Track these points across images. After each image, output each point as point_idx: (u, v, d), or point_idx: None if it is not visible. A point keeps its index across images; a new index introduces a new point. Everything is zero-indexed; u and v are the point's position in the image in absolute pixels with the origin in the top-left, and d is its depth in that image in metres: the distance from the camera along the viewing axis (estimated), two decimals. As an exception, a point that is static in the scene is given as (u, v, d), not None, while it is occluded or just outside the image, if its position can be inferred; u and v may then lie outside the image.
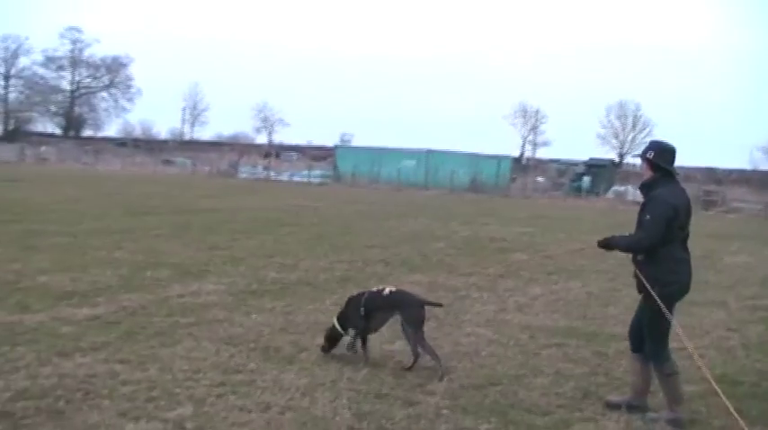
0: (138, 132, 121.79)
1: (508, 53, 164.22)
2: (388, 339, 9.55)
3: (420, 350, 8.46)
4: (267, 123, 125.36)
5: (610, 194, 55.81)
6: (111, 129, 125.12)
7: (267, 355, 8.76)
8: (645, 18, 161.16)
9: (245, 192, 40.85)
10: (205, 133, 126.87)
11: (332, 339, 8.84)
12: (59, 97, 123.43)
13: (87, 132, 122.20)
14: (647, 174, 7.44)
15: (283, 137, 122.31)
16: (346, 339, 8.83)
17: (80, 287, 12.01)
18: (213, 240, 18.67)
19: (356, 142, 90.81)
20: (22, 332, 9.13)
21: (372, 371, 8.38)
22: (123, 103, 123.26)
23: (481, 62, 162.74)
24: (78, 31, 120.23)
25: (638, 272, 7.34)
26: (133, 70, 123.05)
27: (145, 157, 76.83)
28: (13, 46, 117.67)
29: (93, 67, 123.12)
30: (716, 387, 6.91)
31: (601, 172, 62.78)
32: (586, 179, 59.90)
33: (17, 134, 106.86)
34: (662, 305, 7.06)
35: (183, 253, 16.26)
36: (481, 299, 12.97)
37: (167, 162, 71.30)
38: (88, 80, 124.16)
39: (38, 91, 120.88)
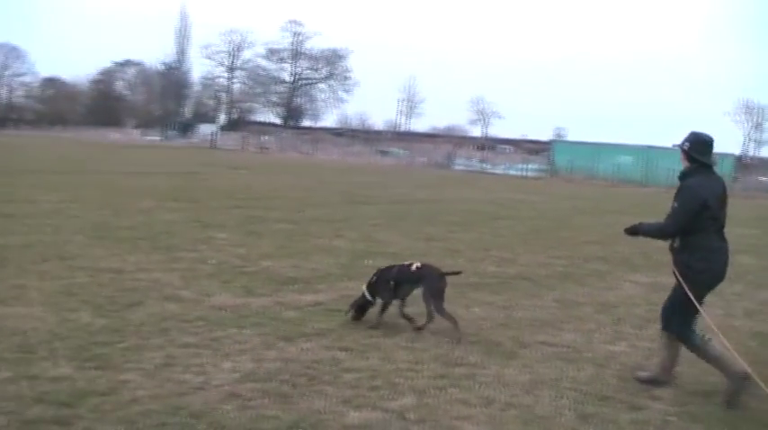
0: (354, 123, 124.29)
1: (724, 47, 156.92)
2: (610, 340, 9.24)
3: (437, 315, 9.09)
4: (482, 116, 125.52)
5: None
6: (329, 120, 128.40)
7: (488, 350, 8.60)
8: None
9: (460, 184, 40.90)
10: (420, 125, 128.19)
11: (362, 307, 9.48)
12: (280, 88, 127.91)
13: (306, 122, 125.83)
14: (684, 163, 7.69)
15: (497, 130, 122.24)
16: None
17: (302, 274, 12.23)
18: (430, 231, 18.72)
19: (569, 137, 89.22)
20: (247, 315, 9.36)
21: (596, 371, 8.09)
22: (341, 94, 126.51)
23: (695, 57, 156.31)
24: (299, 24, 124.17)
25: (673, 259, 7.66)
26: (351, 62, 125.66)
27: (361, 147, 78.21)
28: (238, 39, 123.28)
29: (313, 59, 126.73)
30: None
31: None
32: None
33: (240, 123, 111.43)
34: (690, 293, 7.38)
35: (401, 243, 16.36)
36: (706, 303, 12.31)
37: (383, 152, 72.27)
38: (308, 72, 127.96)
39: (260, 82, 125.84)
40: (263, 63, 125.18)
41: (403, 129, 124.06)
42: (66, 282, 10.56)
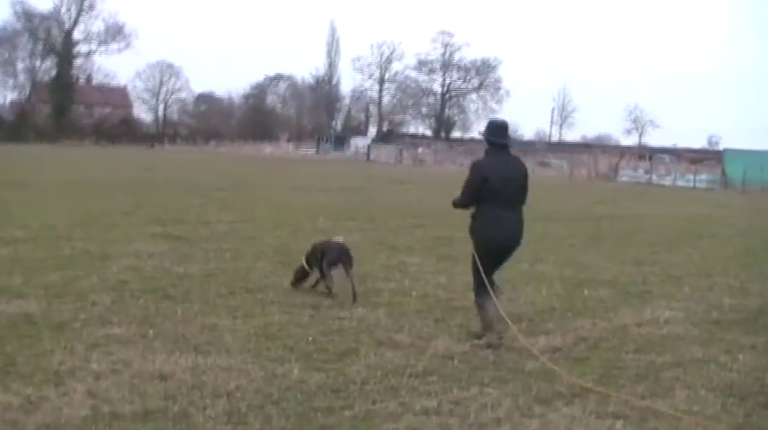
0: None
1: None
2: None
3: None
4: (638, 125, 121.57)
5: None
6: (478, 131, 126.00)
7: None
8: None
9: (634, 198, 38.56)
10: (570, 135, 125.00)
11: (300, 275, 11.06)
12: (430, 100, 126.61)
13: (455, 134, 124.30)
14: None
15: (648, 139, 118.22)
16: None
17: (520, 309, 10.56)
18: (632, 253, 16.84)
19: (724, 145, 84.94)
20: (481, 367, 7.83)
21: None
22: (492, 104, 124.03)
23: None
24: (449, 34, 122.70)
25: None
26: (502, 72, 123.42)
27: (516, 160, 76.19)
28: (387, 51, 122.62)
29: (464, 69, 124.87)
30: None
31: None
32: None
33: (391, 136, 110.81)
34: (475, 254, 8.65)
35: (610, 268, 14.55)
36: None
37: (543, 164, 70.08)
38: (458, 83, 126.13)
39: (410, 94, 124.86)
40: (413, 75, 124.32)
41: (554, 139, 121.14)
42: (261, 321, 9.21)
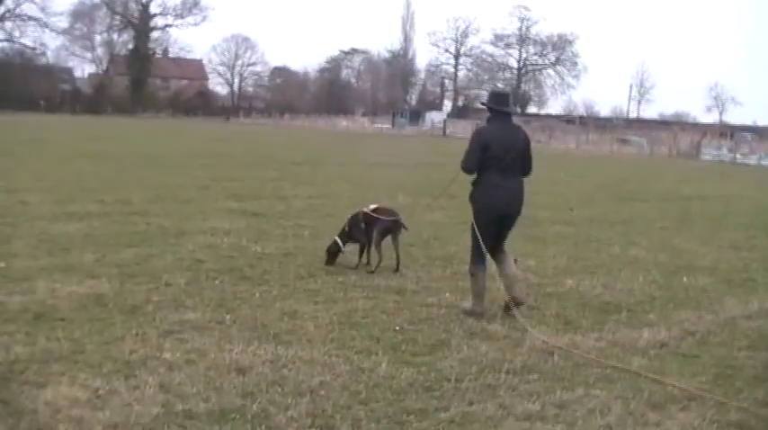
0: (580, 110, 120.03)
1: None
2: None
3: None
4: (719, 102, 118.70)
5: None
6: (555, 107, 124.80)
7: None
8: None
9: (718, 177, 37.23)
10: (648, 112, 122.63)
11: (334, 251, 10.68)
12: (506, 74, 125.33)
13: (531, 109, 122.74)
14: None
15: (728, 116, 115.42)
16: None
17: (618, 297, 9.94)
18: (728, 237, 15.97)
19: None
20: (585, 364, 7.17)
21: None
22: (569, 80, 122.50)
23: None
24: (526, 9, 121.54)
25: None
26: (578, 47, 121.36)
27: (594, 136, 74.72)
28: (463, 26, 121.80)
29: (540, 44, 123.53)
30: None
31: None
32: None
33: (466, 111, 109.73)
34: (474, 222, 8.59)
35: (709, 254, 13.74)
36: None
37: (623, 141, 68.48)
38: (535, 57, 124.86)
39: (486, 69, 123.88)
40: (489, 49, 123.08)
41: (632, 116, 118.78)
42: (344, 307, 8.66)
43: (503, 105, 8.69)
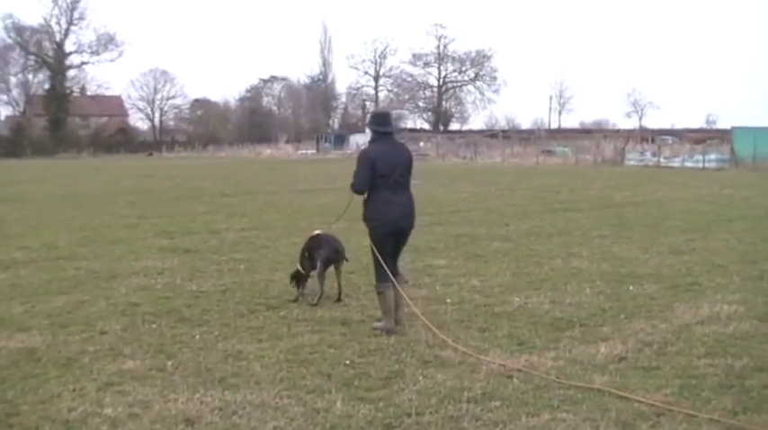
0: (502, 124, 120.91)
1: None
2: None
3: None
4: (637, 107, 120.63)
5: None
6: (477, 122, 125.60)
7: None
8: None
9: (645, 182, 37.42)
10: (570, 121, 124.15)
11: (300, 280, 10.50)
12: (427, 93, 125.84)
13: (454, 126, 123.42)
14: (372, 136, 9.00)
15: (647, 121, 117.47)
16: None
17: (568, 311, 9.76)
18: (666, 241, 15.90)
19: (721, 124, 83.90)
20: (546, 386, 6.95)
21: None
22: (489, 95, 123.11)
23: None
24: (443, 26, 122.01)
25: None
26: (497, 62, 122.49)
27: (519, 148, 75.18)
28: (381, 47, 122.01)
29: (459, 61, 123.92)
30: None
31: None
32: None
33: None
34: (372, 241, 8.82)
35: (649, 260, 13.64)
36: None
37: (547, 152, 68.96)
38: (454, 74, 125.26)
39: (406, 88, 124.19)
40: (409, 69, 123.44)
41: (553, 126, 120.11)
42: (290, 343, 8.34)
43: (385, 125, 8.97)
